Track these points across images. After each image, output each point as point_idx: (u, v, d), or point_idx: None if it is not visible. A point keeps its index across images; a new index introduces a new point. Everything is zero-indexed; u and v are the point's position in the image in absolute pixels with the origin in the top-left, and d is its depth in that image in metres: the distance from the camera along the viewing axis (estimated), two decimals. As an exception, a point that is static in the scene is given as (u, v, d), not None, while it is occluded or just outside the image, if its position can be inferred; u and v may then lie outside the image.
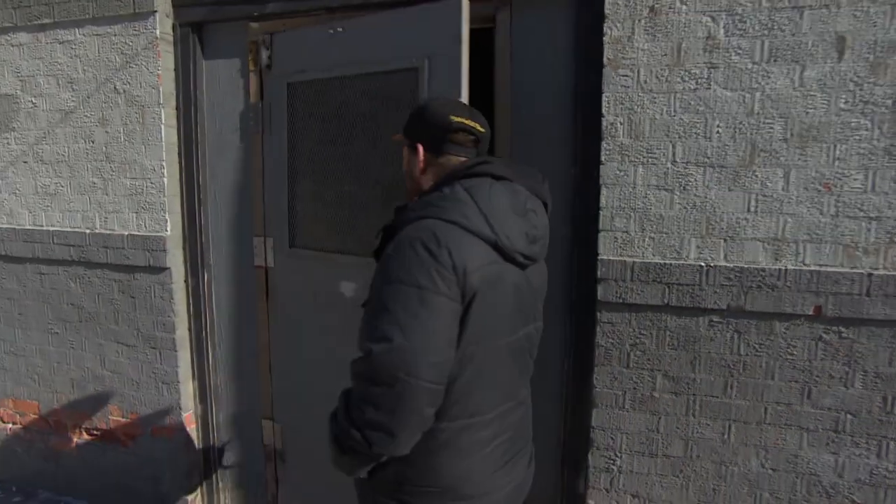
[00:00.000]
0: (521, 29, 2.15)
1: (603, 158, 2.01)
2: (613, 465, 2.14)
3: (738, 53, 1.86)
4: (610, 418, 2.12)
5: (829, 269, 1.85)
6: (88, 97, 2.63)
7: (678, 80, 1.92)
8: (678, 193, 1.96)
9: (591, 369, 2.12)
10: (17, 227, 2.85)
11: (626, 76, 1.96)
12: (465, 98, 1.80)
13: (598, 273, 2.04)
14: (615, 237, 2.03)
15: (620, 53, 1.96)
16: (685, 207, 1.96)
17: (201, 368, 2.74)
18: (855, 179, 1.81)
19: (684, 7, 1.88)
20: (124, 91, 2.56)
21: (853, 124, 1.79)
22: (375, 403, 1.07)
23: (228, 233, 2.66)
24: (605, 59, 1.97)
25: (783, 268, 1.88)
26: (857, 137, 1.79)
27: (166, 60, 2.53)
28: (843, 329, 1.87)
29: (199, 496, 2.81)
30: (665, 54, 1.92)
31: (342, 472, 1.22)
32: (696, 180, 1.94)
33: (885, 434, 1.88)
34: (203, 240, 2.68)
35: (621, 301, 2.04)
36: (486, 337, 1.18)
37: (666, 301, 2.00)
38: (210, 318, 2.72)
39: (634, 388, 2.08)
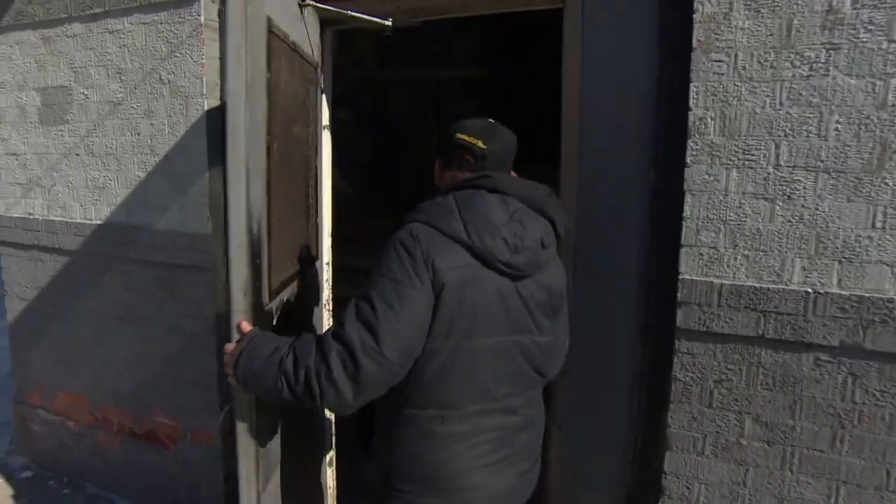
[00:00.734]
0: (594, 6, 1.86)
1: (688, 160, 1.70)
2: (688, 518, 1.83)
3: (869, 30, 1.49)
4: (686, 464, 1.82)
5: (981, 303, 1.47)
6: (135, 88, 2.54)
7: (787, 65, 1.58)
8: (781, 203, 1.63)
9: (665, 406, 1.82)
10: (69, 220, 2.82)
11: (721, 62, 1.64)
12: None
13: (679, 295, 1.74)
14: (700, 253, 1.72)
15: (714, 34, 1.64)
16: (789, 221, 1.62)
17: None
18: None
19: (798, -25, 1.54)
20: (169, 81, 2.45)
21: None
22: (344, 366, 1.19)
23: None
24: (694, 42, 1.66)
25: (917, 299, 1.51)
26: None
27: (210, 48, 2.40)
28: None
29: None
30: (771, 34, 1.59)
31: (251, 391, 1.35)
32: (804, 188, 1.60)
33: None
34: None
35: (705, 329, 1.73)
36: (457, 334, 1.25)
37: (761, 332, 1.67)
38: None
39: (717, 432, 1.77)
